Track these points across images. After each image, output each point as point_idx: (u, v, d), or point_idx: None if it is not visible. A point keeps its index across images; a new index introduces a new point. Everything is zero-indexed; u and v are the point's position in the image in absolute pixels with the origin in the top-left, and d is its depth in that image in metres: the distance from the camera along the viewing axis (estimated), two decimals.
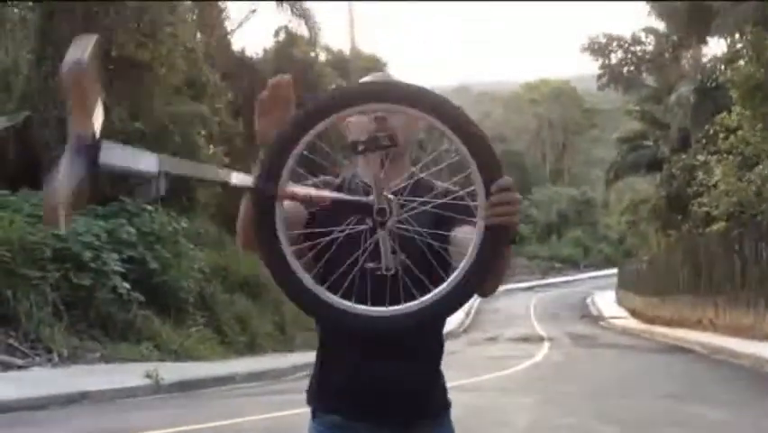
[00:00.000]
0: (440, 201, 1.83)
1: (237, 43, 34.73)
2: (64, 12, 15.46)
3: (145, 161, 1.55)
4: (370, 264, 1.78)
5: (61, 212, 1.48)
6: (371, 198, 1.73)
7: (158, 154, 1.57)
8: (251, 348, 16.61)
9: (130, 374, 10.83)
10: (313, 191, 1.71)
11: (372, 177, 1.78)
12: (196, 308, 15.56)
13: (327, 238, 1.82)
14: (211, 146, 18.07)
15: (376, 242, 1.77)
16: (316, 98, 1.71)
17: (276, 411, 8.26)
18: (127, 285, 13.16)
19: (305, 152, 1.71)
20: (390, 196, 1.74)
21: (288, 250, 1.72)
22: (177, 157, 1.60)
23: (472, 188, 1.74)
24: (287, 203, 1.75)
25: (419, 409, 2.04)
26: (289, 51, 26.81)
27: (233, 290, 17.40)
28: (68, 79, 1.46)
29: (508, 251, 1.86)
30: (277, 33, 27.48)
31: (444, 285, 1.73)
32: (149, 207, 14.94)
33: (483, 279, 1.75)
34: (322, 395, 2.08)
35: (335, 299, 1.74)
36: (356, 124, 2.01)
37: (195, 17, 21.58)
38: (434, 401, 2.09)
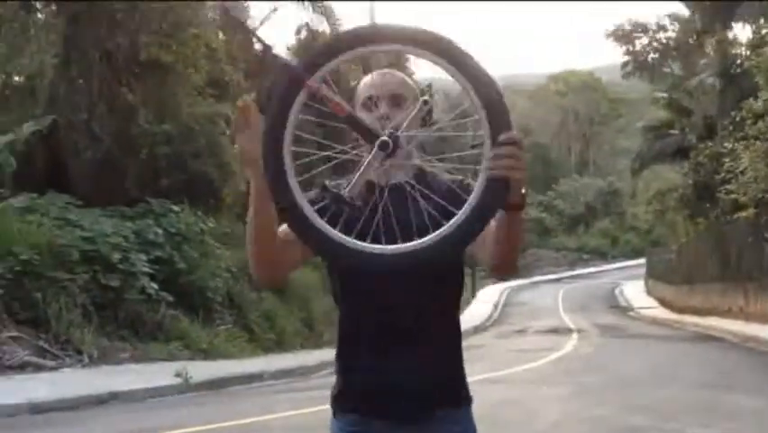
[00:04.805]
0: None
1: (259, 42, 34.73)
2: (88, 16, 15.57)
3: None
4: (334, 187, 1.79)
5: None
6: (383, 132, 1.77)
7: None
8: (280, 345, 16.67)
9: (159, 374, 10.91)
10: (336, 97, 1.74)
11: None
12: (223, 307, 15.64)
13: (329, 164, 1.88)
14: (235, 146, 18.11)
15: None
16: (358, 28, 1.80)
17: (304, 408, 8.30)
18: (155, 285, 13.26)
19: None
20: (398, 132, 1.76)
21: (288, 145, 1.76)
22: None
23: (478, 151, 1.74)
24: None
25: (435, 405, 2.03)
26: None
27: (261, 288, 17.44)
28: None
29: (520, 219, 1.85)
30: (298, 31, 27.47)
31: (445, 228, 1.74)
32: (175, 208, 15.04)
33: (480, 227, 1.75)
34: (339, 395, 2.11)
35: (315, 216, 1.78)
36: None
37: (217, 17, 21.62)
38: (449, 397, 2.08)
